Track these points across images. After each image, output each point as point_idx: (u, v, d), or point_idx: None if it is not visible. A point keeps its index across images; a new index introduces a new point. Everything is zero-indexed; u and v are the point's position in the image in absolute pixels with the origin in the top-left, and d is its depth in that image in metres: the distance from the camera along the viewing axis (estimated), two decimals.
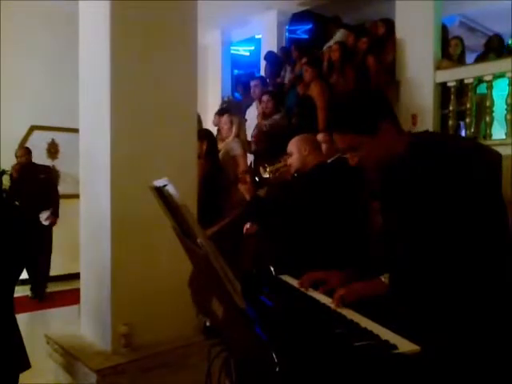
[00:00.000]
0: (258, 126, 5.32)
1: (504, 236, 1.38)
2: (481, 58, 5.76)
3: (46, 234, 5.80)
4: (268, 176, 2.95)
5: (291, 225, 2.58)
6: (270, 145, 4.58)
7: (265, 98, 5.38)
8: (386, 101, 1.57)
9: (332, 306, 1.47)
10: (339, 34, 6.39)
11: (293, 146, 2.72)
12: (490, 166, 1.44)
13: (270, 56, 6.83)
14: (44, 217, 5.71)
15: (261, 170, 3.00)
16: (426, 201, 1.42)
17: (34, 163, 6.02)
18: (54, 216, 5.83)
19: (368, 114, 1.50)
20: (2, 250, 2.22)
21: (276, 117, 5.24)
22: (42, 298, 5.74)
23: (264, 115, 5.43)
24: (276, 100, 5.34)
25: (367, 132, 1.48)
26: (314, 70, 5.44)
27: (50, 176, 6.11)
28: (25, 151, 5.98)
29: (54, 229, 5.91)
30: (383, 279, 1.54)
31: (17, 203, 5.35)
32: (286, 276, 1.86)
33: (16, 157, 5.96)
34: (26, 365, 2.29)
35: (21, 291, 5.43)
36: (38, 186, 5.73)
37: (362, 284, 1.56)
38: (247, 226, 3.41)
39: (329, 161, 2.83)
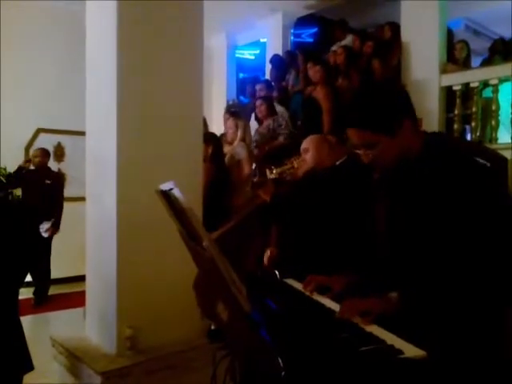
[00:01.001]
0: (257, 132, 5.32)
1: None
2: (487, 62, 5.74)
3: (44, 240, 5.66)
4: (274, 178, 2.95)
5: (300, 224, 2.57)
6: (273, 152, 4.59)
7: (258, 102, 5.39)
8: (408, 99, 1.52)
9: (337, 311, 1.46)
10: (348, 39, 6.40)
11: (310, 143, 2.69)
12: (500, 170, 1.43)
13: (275, 59, 6.84)
14: (44, 228, 5.58)
15: (267, 171, 3.00)
16: (437, 202, 1.41)
17: (48, 167, 5.90)
18: (55, 228, 5.69)
19: (389, 113, 1.47)
20: (6, 251, 2.24)
21: (281, 121, 5.22)
22: (40, 303, 5.62)
23: (259, 120, 5.45)
24: (268, 104, 5.34)
25: (386, 131, 1.46)
26: (323, 69, 5.43)
27: (56, 183, 5.89)
28: (41, 152, 5.81)
29: (60, 232, 5.83)
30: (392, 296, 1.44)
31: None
32: (290, 280, 1.86)
33: (32, 156, 5.84)
34: (29, 367, 2.29)
35: (26, 293, 5.45)
36: (43, 191, 5.61)
37: (370, 302, 1.44)
38: (268, 253, 3.35)
39: (337, 163, 2.82)
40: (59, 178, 6.11)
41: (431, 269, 1.40)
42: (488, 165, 1.38)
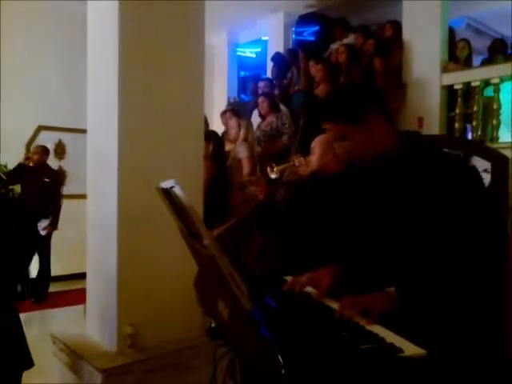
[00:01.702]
0: (259, 129, 5.32)
1: (496, 242, 1.36)
2: (488, 61, 5.74)
3: (44, 237, 5.64)
4: (275, 176, 2.95)
5: (301, 224, 2.56)
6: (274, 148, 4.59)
7: (260, 99, 5.41)
8: (375, 90, 1.54)
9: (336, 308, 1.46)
10: (351, 38, 6.39)
11: (317, 144, 2.67)
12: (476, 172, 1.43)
13: (276, 57, 6.83)
14: (42, 226, 5.54)
15: (268, 170, 3.00)
16: (420, 201, 1.41)
17: (47, 165, 5.86)
18: (52, 226, 5.66)
19: (350, 101, 1.47)
20: (6, 248, 2.24)
21: (285, 119, 5.22)
22: (39, 300, 5.59)
23: (261, 116, 5.46)
24: (271, 101, 5.34)
25: (350, 121, 1.45)
26: (325, 68, 5.42)
27: (55, 181, 5.83)
28: (40, 149, 5.76)
29: (61, 229, 5.84)
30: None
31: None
32: (290, 277, 1.85)
33: (31, 154, 5.81)
34: (28, 363, 2.29)
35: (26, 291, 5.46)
36: (41, 188, 5.57)
37: (371, 299, 1.41)
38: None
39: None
40: (58, 176, 6.06)
41: (422, 267, 1.40)
42: (467, 160, 1.39)
